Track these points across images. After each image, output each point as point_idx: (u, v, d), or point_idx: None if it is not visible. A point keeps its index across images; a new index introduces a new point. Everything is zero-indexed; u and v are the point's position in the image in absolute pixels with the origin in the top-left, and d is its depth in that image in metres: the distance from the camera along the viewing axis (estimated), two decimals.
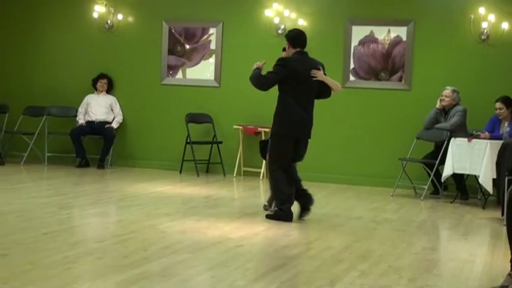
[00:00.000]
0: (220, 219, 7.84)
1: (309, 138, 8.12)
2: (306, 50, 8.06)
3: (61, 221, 7.29)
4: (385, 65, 11.37)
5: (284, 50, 8.38)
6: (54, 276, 5.17)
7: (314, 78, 7.91)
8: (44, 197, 8.86)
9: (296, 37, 8.02)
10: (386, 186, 10.95)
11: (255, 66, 8.03)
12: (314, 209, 8.36)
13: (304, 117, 7.94)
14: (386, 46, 11.35)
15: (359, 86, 11.47)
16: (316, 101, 8.10)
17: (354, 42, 11.46)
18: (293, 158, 8.02)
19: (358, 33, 11.44)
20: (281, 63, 7.95)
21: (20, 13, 13.00)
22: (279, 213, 7.91)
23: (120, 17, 12.48)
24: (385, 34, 11.35)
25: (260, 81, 7.97)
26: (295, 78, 7.83)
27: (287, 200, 7.92)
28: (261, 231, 7.27)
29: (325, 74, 8.01)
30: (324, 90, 8.08)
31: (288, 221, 7.82)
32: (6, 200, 8.49)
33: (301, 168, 11.57)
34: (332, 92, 8.14)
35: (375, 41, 11.39)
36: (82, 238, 6.78)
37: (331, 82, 8.06)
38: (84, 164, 12.09)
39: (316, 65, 7.98)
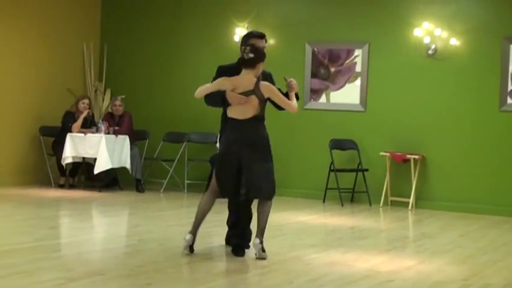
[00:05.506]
0: (367, 252, 7.59)
1: None
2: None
3: (202, 251, 7.19)
4: None
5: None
6: None
7: None
8: (184, 226, 8.75)
9: None
10: None
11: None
12: (469, 242, 7.90)
13: None
14: None
15: None
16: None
17: None
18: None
19: None
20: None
21: (160, 38, 13.16)
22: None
23: None
24: None
25: None
26: None
27: None
28: (413, 265, 6.94)
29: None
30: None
31: None
32: (147, 228, 8.60)
33: (455, 198, 11.17)
34: None
35: None
36: (224, 269, 6.73)
37: None
38: None
39: None
